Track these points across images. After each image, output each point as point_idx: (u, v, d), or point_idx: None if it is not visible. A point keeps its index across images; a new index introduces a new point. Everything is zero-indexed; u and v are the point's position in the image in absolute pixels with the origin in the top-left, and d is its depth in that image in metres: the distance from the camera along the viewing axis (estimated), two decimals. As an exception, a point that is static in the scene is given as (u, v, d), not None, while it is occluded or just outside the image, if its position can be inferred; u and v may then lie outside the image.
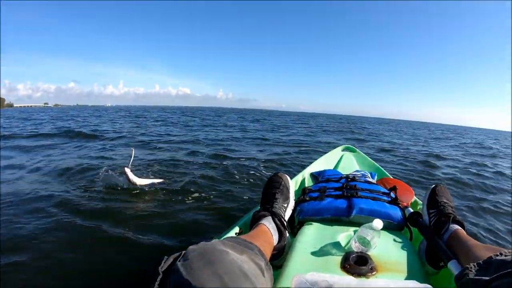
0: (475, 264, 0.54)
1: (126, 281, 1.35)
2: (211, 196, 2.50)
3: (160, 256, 0.48)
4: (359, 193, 1.04)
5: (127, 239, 1.69)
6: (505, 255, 0.52)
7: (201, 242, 0.51)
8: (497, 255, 0.52)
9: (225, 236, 0.87)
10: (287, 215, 0.94)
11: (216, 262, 0.42)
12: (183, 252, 0.46)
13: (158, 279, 0.43)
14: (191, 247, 0.48)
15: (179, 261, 0.43)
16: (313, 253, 0.76)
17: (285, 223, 0.85)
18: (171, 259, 0.45)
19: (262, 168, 3.74)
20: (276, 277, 0.68)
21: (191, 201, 2.38)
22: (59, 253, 1.54)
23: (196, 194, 2.52)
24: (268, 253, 0.67)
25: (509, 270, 0.44)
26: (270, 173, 3.35)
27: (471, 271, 0.53)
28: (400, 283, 0.56)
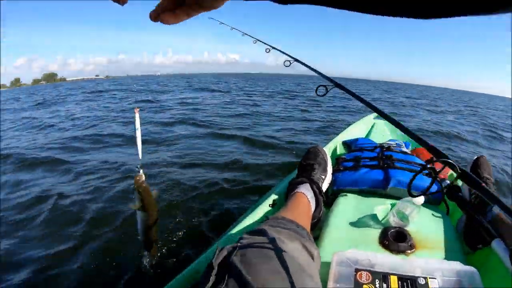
0: None
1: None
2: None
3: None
4: (396, 164, 0.98)
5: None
6: None
7: (253, 229, 0.48)
8: None
9: (257, 209, 0.88)
10: (324, 187, 0.91)
11: (274, 256, 0.41)
12: (238, 244, 0.44)
13: (213, 273, 0.40)
14: (245, 236, 0.46)
15: (235, 255, 0.42)
16: (350, 227, 0.75)
17: (322, 191, 0.83)
18: (225, 252, 0.43)
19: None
20: None
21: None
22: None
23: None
24: (308, 227, 0.66)
25: None
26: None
27: None
28: (444, 264, 0.53)
